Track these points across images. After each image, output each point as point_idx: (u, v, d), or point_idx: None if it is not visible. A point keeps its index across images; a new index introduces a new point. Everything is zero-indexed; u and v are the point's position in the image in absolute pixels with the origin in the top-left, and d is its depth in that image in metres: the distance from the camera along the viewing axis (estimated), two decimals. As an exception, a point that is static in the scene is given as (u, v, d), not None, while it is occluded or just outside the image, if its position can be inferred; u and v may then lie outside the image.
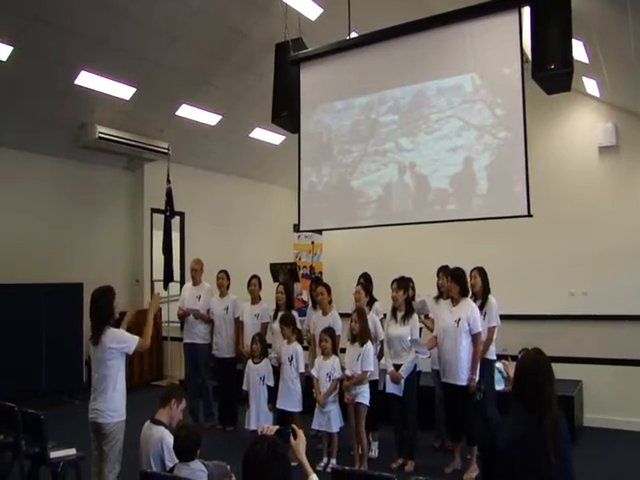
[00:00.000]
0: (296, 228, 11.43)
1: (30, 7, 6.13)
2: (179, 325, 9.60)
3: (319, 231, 10.65)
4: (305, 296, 9.87)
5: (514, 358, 5.31)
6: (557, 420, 2.42)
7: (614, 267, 9.11)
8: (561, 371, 5.49)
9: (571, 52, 5.14)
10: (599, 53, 7.27)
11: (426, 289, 5.98)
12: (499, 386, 2.98)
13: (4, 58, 6.60)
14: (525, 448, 2.31)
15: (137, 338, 3.96)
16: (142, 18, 6.80)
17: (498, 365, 3.00)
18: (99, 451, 3.96)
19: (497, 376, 3.00)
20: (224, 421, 6.51)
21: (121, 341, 3.90)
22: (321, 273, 11.09)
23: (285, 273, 8.42)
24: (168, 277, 8.89)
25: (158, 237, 9.47)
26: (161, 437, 3.42)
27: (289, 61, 6.78)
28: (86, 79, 7.43)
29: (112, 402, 3.87)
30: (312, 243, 11.00)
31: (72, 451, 4.31)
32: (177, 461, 3.27)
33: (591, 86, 8.87)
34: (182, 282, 9.68)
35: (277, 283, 8.14)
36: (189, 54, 7.74)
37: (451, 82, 5.84)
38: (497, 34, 5.62)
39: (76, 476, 4.24)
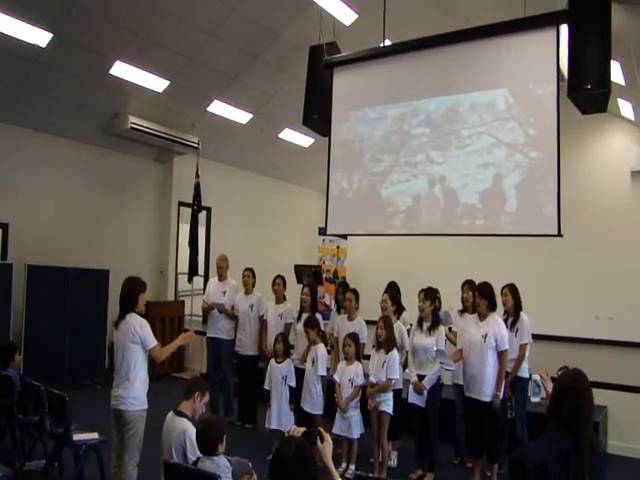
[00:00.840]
0: (321, 231, 11.51)
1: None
2: (201, 319, 9.75)
3: (344, 236, 10.66)
4: (327, 299, 9.84)
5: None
6: (593, 440, 2.38)
7: (641, 294, 8.95)
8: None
9: (609, 72, 5.09)
10: (637, 75, 7.14)
11: (449, 302, 5.90)
12: (535, 398, 2.95)
13: (44, 44, 6.71)
14: (560, 466, 2.27)
15: (156, 342, 4.01)
16: (179, 12, 6.86)
17: (535, 377, 2.97)
18: (120, 438, 4.00)
19: (534, 389, 2.96)
20: (243, 418, 6.50)
21: (144, 329, 3.95)
22: (344, 278, 11.07)
23: (309, 275, 8.43)
24: (193, 271, 8.93)
25: (184, 230, 9.57)
26: (184, 429, 3.42)
27: (323, 64, 6.81)
28: (121, 69, 7.51)
29: (133, 390, 3.92)
30: (337, 247, 10.97)
31: (94, 435, 4.38)
32: (199, 454, 3.29)
33: (626, 108, 8.74)
34: (206, 276, 9.76)
35: (301, 285, 8.19)
36: (223, 50, 7.76)
37: (484, 97, 5.82)
38: (534, 51, 5.59)
39: (97, 460, 4.28)
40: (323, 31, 6.71)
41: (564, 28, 5.41)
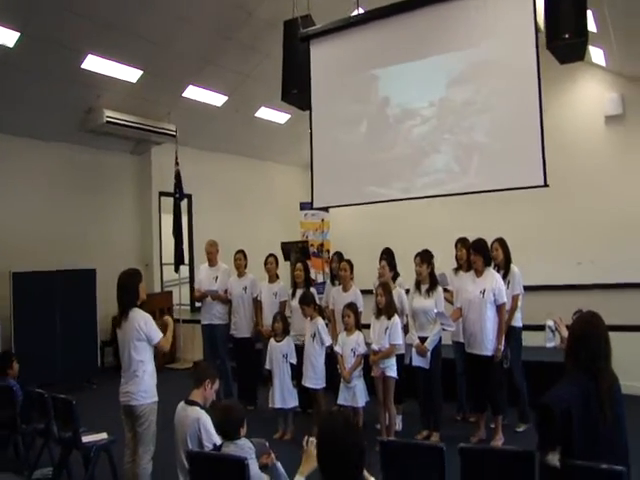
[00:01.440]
0: (303, 206, 11.45)
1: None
2: (189, 307, 9.69)
3: (327, 208, 10.60)
4: (313, 274, 9.83)
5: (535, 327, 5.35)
6: (612, 380, 2.42)
7: (621, 236, 9.09)
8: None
9: (586, 21, 5.12)
10: (608, 22, 7.16)
11: (438, 262, 5.93)
12: (550, 343, 2.96)
13: (11, 44, 6.50)
14: (583, 408, 2.31)
15: (162, 335, 3.94)
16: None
17: (549, 323, 2.98)
18: (132, 433, 3.95)
19: (548, 334, 2.98)
20: (244, 400, 6.48)
21: (148, 324, 3.88)
22: (328, 251, 11.06)
23: (297, 252, 8.40)
24: (179, 260, 8.85)
25: (166, 221, 9.47)
26: (197, 417, 3.40)
27: (299, 38, 6.68)
28: (93, 63, 7.35)
29: (143, 384, 3.86)
30: (322, 220, 10.91)
31: (103, 435, 4.32)
32: (216, 441, 3.28)
33: (598, 55, 8.76)
34: (191, 264, 9.67)
35: (289, 262, 8.18)
36: (195, 34, 7.63)
37: (464, 56, 5.77)
38: (510, 3, 5.54)
39: (108, 460, 4.24)
40: (296, 5, 6.56)
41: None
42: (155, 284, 9.69)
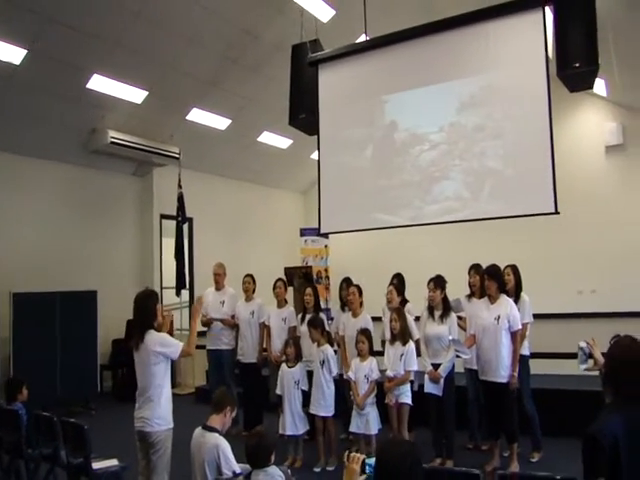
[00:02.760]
0: (303, 232, 11.44)
1: (43, 9, 6.04)
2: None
3: (326, 235, 10.58)
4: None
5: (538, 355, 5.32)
6: None
7: (622, 265, 9.13)
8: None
9: (597, 50, 5.11)
10: (612, 52, 7.29)
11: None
12: (582, 365, 2.93)
13: (17, 62, 6.49)
14: (630, 438, 2.26)
15: (181, 344, 3.86)
16: (155, 20, 6.74)
17: (582, 344, 2.95)
18: (146, 460, 3.84)
19: (581, 356, 2.94)
20: (250, 427, 6.38)
21: (165, 344, 3.80)
22: (328, 277, 11.02)
23: (300, 277, 8.36)
24: (181, 283, 8.75)
25: (166, 243, 9.40)
26: (216, 444, 3.34)
27: (308, 62, 6.72)
28: (98, 83, 7.35)
29: (159, 409, 3.76)
30: (325, 247, 10.88)
31: (114, 462, 4.23)
32: (235, 469, 3.22)
33: (599, 85, 8.90)
34: (191, 288, 9.57)
35: (292, 287, 8.13)
36: (201, 56, 7.68)
37: (473, 83, 5.81)
38: (520, 33, 5.58)
39: (120, 487, 4.14)
40: (304, 29, 6.64)
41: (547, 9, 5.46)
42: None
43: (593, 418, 2.45)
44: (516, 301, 5.23)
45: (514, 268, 5.39)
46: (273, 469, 2.95)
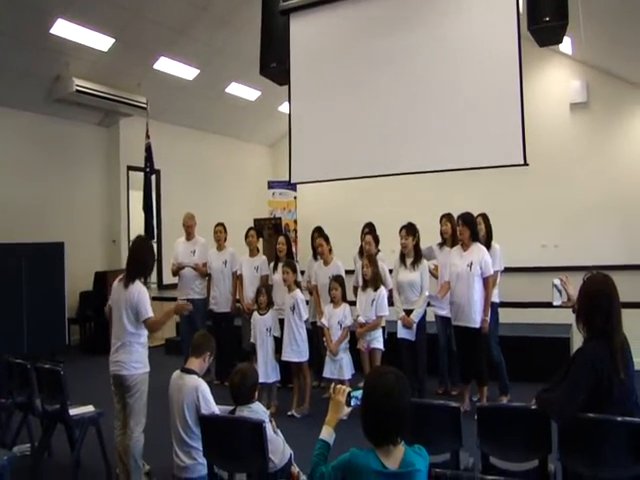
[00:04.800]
0: (271, 185, 11.39)
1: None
2: (156, 285, 9.50)
3: (294, 187, 10.54)
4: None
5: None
6: (624, 340, 2.49)
7: (584, 220, 9.40)
8: (549, 316, 5.65)
9: (566, 4, 5.16)
10: (579, 10, 7.28)
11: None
12: (557, 301, 3.02)
13: (-26, 5, 6.14)
14: (604, 366, 2.38)
15: (151, 315, 3.78)
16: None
17: (556, 281, 3.03)
18: (122, 404, 3.85)
19: (555, 292, 3.03)
20: (222, 376, 6.42)
21: (140, 299, 3.74)
22: (296, 231, 11.05)
23: (269, 228, 8.35)
24: (149, 235, 8.61)
25: (134, 196, 9.22)
26: (196, 386, 3.35)
27: (279, 11, 6.55)
28: (63, 28, 7.03)
29: (136, 354, 3.75)
30: (295, 198, 10.85)
31: (90, 408, 4.21)
32: (214, 409, 3.24)
33: (565, 43, 8.93)
34: (159, 240, 9.46)
35: (261, 239, 8.11)
36: (170, 3, 7.42)
37: (446, 31, 5.76)
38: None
39: (96, 434, 4.13)
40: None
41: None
42: (122, 261, 9.42)
43: (556, 364, 2.58)
44: (488, 249, 5.33)
45: (485, 217, 5.47)
46: (257, 405, 2.99)
